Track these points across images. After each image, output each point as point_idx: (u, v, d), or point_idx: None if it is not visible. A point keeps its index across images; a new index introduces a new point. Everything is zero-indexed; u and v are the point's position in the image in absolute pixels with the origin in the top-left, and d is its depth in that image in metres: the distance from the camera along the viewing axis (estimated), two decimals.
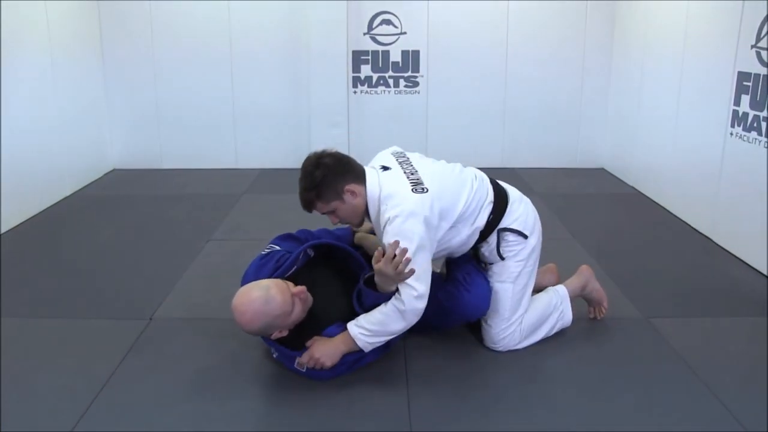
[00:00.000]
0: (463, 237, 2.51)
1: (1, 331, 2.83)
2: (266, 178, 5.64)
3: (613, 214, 4.67)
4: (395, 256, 2.23)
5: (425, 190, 2.33)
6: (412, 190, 2.33)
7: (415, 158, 2.57)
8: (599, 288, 2.90)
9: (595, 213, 4.68)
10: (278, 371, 2.50)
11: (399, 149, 2.66)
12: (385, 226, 2.31)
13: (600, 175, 5.77)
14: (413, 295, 2.29)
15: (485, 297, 2.57)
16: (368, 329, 2.34)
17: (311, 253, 2.57)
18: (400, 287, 2.31)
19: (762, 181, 3.47)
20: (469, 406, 2.30)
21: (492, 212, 2.53)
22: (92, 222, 4.43)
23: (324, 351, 2.36)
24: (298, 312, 2.33)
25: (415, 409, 2.27)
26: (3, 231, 4.12)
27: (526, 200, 2.70)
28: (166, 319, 2.97)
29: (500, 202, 2.57)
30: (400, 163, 2.50)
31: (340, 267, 2.58)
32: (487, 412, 2.28)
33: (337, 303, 2.47)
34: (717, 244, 3.93)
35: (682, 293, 3.28)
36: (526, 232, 2.58)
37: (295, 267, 2.49)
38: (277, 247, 2.63)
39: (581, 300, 2.92)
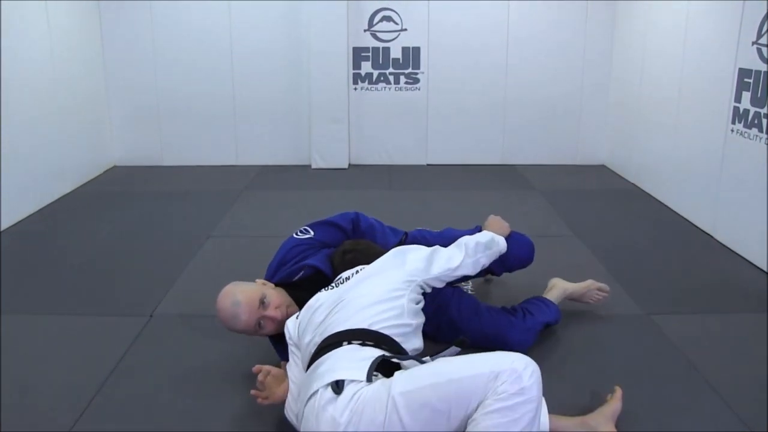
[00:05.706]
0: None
1: (1, 327, 2.84)
2: (266, 174, 5.64)
3: (613, 210, 4.66)
4: None
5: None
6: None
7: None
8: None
9: (596, 210, 4.67)
10: None
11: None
12: None
13: (600, 171, 5.76)
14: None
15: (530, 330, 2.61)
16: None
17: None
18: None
19: (762, 178, 3.46)
20: None
21: None
22: (92, 219, 4.42)
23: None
24: (269, 330, 2.31)
25: None
26: (3, 227, 4.12)
27: None
28: (167, 316, 2.97)
29: None
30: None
31: None
32: None
33: None
34: (717, 241, 3.93)
35: (683, 290, 3.28)
36: None
37: (301, 275, 2.42)
38: (312, 233, 2.54)
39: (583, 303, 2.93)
